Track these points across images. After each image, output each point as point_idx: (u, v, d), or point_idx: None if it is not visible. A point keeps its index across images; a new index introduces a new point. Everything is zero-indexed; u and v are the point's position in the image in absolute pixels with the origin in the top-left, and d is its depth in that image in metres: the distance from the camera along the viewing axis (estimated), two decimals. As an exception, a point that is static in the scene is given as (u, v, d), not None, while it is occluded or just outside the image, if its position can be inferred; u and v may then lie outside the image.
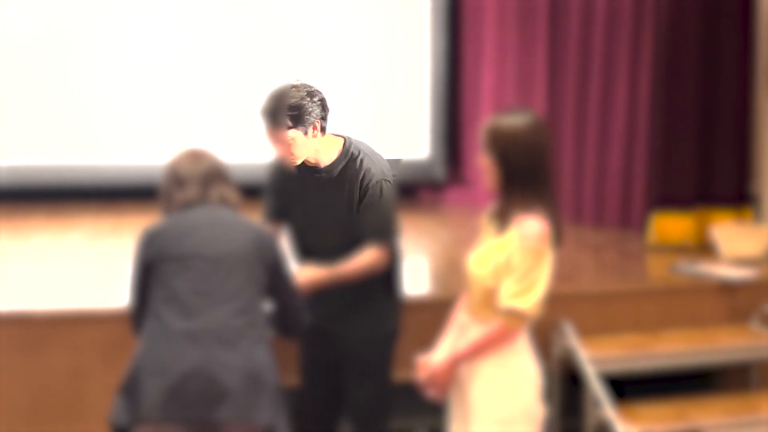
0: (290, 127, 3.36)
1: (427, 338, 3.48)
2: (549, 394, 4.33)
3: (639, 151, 6.28)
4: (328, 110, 3.45)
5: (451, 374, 3.15)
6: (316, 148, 3.46)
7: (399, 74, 7.51)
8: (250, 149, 6.77)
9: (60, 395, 4.10)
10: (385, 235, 3.56)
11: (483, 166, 3.13)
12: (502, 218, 3.09)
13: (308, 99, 3.37)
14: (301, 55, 7.22)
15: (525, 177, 3.04)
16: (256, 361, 3.06)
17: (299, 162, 3.46)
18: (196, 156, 3.29)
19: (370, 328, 3.67)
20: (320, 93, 3.43)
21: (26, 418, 4.11)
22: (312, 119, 3.38)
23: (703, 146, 5.87)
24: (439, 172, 7.58)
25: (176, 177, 3.24)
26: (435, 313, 3.72)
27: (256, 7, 7.28)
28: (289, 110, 3.34)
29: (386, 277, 3.67)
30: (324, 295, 3.64)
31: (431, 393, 3.22)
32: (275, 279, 3.25)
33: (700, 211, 5.85)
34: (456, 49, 7.57)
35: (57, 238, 5.87)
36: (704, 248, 5.65)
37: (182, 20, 7.22)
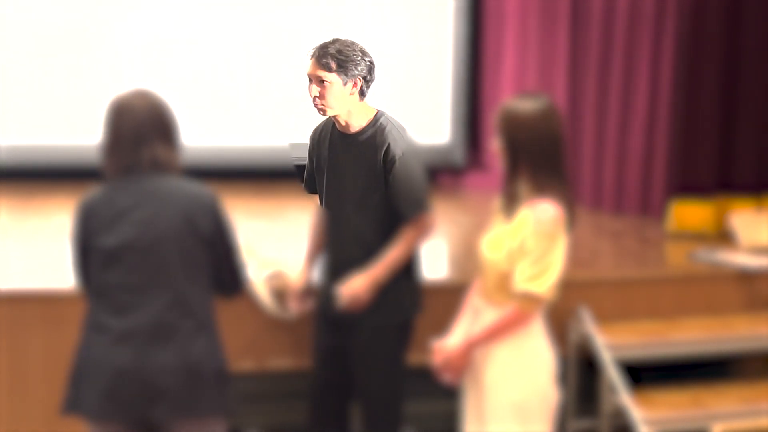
0: (331, 70, 3.40)
1: (445, 322, 3.50)
2: (565, 380, 4.36)
3: (659, 138, 6.26)
4: (373, 77, 3.50)
5: (466, 358, 3.15)
6: (348, 110, 3.49)
7: (421, 59, 7.50)
8: (273, 132, 6.85)
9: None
10: (417, 209, 3.58)
11: (494, 149, 3.14)
12: (509, 202, 3.11)
13: (360, 54, 3.44)
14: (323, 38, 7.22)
15: (533, 161, 3.04)
16: (192, 354, 2.97)
17: (329, 113, 3.48)
18: (135, 100, 3.04)
19: (381, 320, 3.66)
20: (371, 57, 3.49)
21: (47, 393, 4.16)
22: (356, 72, 3.43)
23: (724, 134, 5.85)
24: (459, 156, 7.58)
25: (113, 130, 3.02)
26: (454, 297, 3.74)
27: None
28: (338, 53, 3.40)
29: (404, 264, 3.66)
30: (334, 282, 3.66)
31: (447, 377, 3.23)
32: (213, 240, 3.04)
33: (719, 199, 5.83)
34: (478, 34, 7.55)
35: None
36: (723, 236, 5.64)
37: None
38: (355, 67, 3.42)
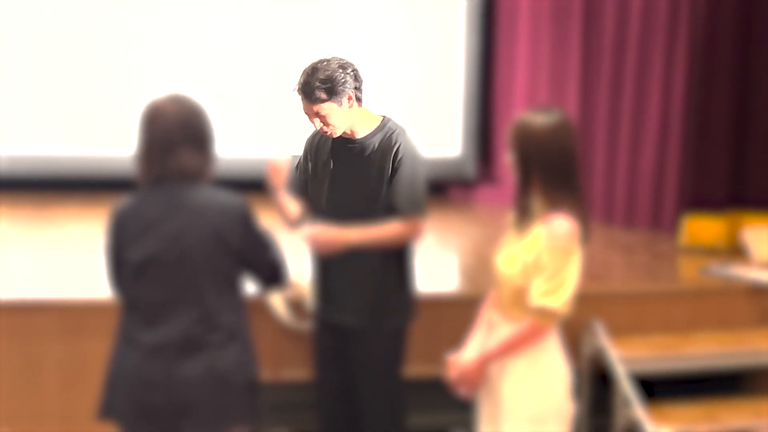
0: (324, 100, 3.40)
1: (457, 335, 3.50)
2: (579, 393, 4.36)
3: (672, 152, 6.27)
4: (361, 80, 3.49)
5: (481, 373, 3.16)
6: (353, 120, 3.51)
7: (433, 71, 7.53)
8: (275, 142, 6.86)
9: (96, 381, 4.15)
10: (414, 208, 3.57)
11: (507, 163, 3.16)
12: (522, 216, 3.12)
13: (340, 71, 3.42)
14: (335, 52, 7.24)
15: (545, 175, 3.05)
16: (220, 367, 2.98)
17: (338, 133, 3.50)
18: (168, 106, 3.00)
19: (377, 323, 3.65)
20: (352, 65, 3.48)
21: (62, 402, 4.18)
22: (346, 90, 3.43)
23: (736, 149, 5.85)
24: (471, 169, 7.60)
25: (145, 137, 2.99)
26: (465, 309, 3.74)
27: (293, 10, 7.32)
28: (322, 83, 3.39)
29: (397, 270, 3.67)
30: (331, 284, 3.67)
31: (462, 391, 3.24)
32: (244, 249, 3.03)
33: (732, 213, 5.83)
34: (490, 47, 7.58)
35: (92, 228, 5.94)
36: (736, 251, 5.64)
37: (213, 5, 7.28)
38: (343, 85, 3.42)
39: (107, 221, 3.08)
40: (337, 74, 3.40)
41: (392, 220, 3.55)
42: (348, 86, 3.43)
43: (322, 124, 3.46)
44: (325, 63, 3.43)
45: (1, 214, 6.32)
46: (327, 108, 3.41)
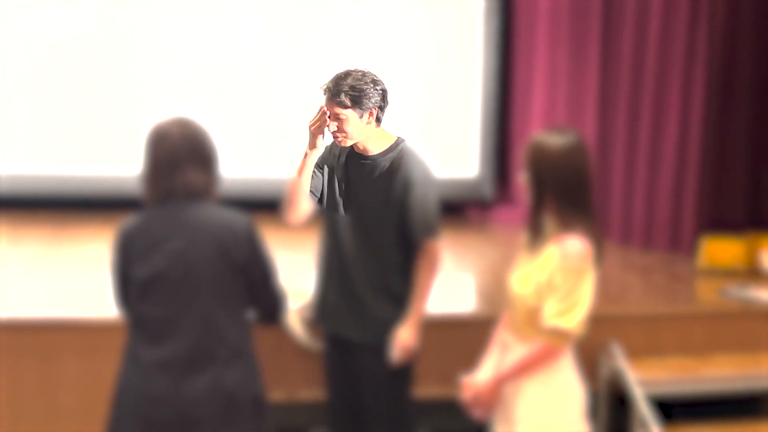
0: (347, 106, 3.44)
1: (472, 356, 3.49)
2: (596, 415, 4.34)
3: (690, 173, 6.24)
4: (387, 102, 3.54)
5: (495, 394, 3.15)
6: (367, 136, 3.54)
7: (450, 92, 7.54)
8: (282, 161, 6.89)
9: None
10: (427, 233, 3.62)
11: (521, 183, 3.16)
12: (534, 236, 3.12)
13: (371, 85, 3.47)
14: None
15: (558, 196, 3.05)
16: (226, 383, 3.00)
17: (348, 143, 3.53)
18: (172, 128, 3.05)
19: (383, 338, 3.65)
20: (383, 84, 3.52)
21: (79, 422, 4.20)
22: (370, 104, 3.46)
23: (755, 170, 5.84)
24: (488, 190, 7.59)
25: (150, 157, 3.04)
26: (480, 330, 3.73)
27: (302, 28, 7.35)
28: (351, 90, 3.43)
29: (403, 285, 3.66)
30: (336, 298, 3.67)
31: (476, 413, 3.23)
32: (247, 268, 3.05)
33: (750, 235, 5.80)
34: (507, 68, 7.58)
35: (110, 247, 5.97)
36: (754, 273, 5.61)
37: (220, 23, 7.31)
38: (369, 100, 3.46)
39: (114, 240, 3.10)
40: (367, 87, 3.45)
41: (401, 243, 3.58)
42: (373, 102, 3.47)
43: (336, 129, 3.49)
44: (359, 73, 3.48)
45: (20, 233, 6.36)
46: (347, 113, 3.45)
